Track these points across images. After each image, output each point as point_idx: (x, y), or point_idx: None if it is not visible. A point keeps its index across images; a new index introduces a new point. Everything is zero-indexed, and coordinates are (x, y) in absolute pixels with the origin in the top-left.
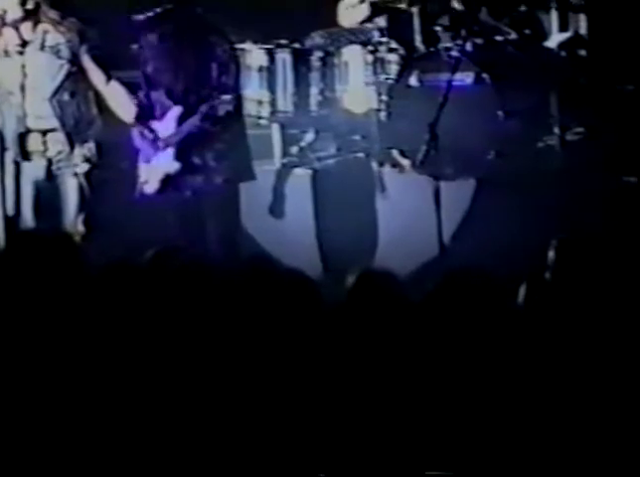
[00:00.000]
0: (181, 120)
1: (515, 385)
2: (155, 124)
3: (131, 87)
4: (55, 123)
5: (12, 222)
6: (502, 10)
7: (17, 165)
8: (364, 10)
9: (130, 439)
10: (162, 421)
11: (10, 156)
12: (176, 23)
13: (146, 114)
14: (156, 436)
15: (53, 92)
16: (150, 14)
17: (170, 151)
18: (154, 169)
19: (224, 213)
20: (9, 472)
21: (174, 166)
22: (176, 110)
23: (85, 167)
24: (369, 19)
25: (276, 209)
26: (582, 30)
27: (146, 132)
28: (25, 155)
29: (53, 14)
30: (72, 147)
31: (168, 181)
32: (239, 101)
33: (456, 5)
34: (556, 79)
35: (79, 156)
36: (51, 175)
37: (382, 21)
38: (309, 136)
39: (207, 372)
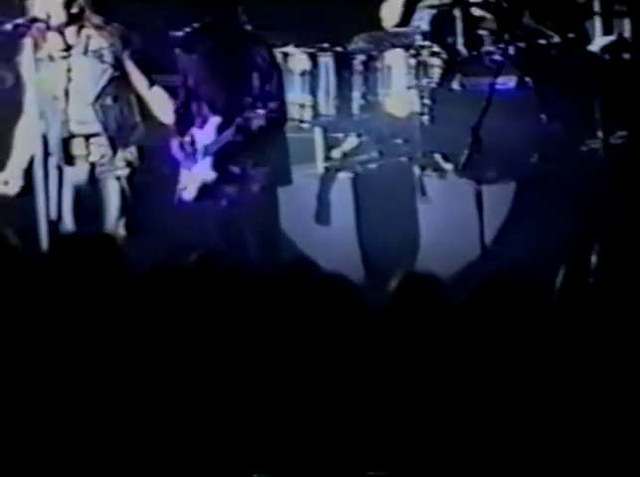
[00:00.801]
0: (221, 129)
1: (556, 388)
2: (195, 132)
3: (174, 92)
4: (98, 128)
5: (55, 226)
6: (545, 13)
7: (60, 170)
8: (405, 12)
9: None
10: (198, 422)
11: (53, 161)
12: (215, 36)
13: (186, 125)
14: (184, 439)
15: (96, 97)
16: (189, 29)
17: (208, 160)
18: (192, 176)
19: (261, 219)
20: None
21: (211, 175)
22: (216, 119)
23: (127, 171)
24: (410, 21)
25: (318, 213)
26: (626, 33)
27: (186, 144)
28: (68, 160)
29: (96, 19)
30: (114, 151)
31: (205, 189)
32: (282, 109)
33: (499, 9)
34: (599, 82)
35: (121, 160)
36: (93, 179)
37: (424, 24)
38: (351, 140)
39: (248, 376)
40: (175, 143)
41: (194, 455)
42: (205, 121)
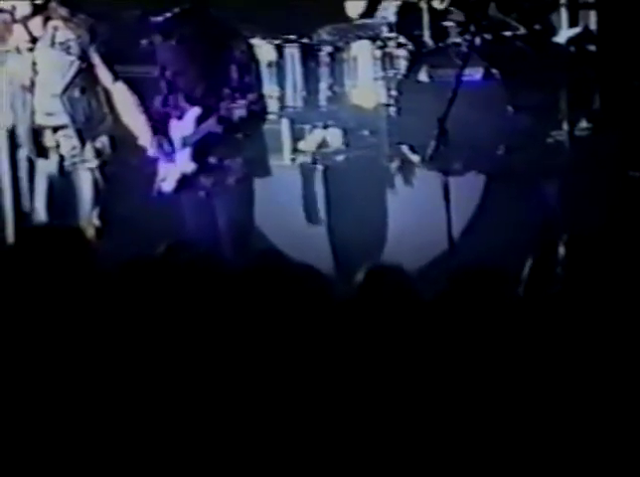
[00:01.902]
0: (200, 121)
1: (524, 382)
2: (174, 125)
3: (145, 83)
4: (65, 120)
5: (26, 219)
6: (511, 5)
7: (30, 162)
8: (370, 3)
9: (130, 438)
10: (174, 417)
11: (23, 153)
12: (192, 25)
13: (163, 121)
14: (157, 435)
15: (63, 89)
16: (167, 16)
17: (187, 151)
18: (172, 168)
19: (237, 211)
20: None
21: (190, 166)
22: (195, 111)
23: (97, 162)
24: (375, 11)
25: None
26: (592, 25)
27: (165, 143)
28: (39, 152)
29: (62, 10)
30: (82, 143)
31: (184, 180)
32: (262, 101)
33: (465, 0)
34: (565, 74)
35: (90, 151)
36: (63, 171)
37: (390, 16)
38: (318, 131)
39: (217, 367)
40: (153, 141)
41: (169, 449)
42: (182, 113)
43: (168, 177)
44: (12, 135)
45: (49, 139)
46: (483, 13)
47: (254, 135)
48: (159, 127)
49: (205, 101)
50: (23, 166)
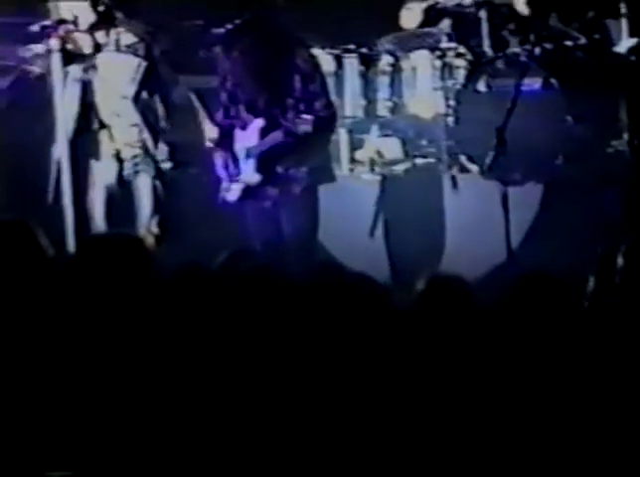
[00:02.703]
0: (264, 132)
1: (586, 389)
2: (237, 135)
3: (204, 93)
4: (131, 121)
5: (86, 226)
6: (572, 15)
7: (90, 165)
8: (424, 14)
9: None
10: (226, 420)
11: (83, 156)
12: (254, 35)
13: (227, 136)
14: (212, 438)
15: (136, 91)
16: (229, 27)
17: (251, 162)
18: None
19: (303, 218)
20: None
21: (255, 178)
22: (259, 122)
23: (166, 165)
24: (431, 23)
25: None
26: None
27: (229, 162)
28: (100, 156)
29: (121, 17)
30: (146, 148)
31: (248, 191)
32: (331, 109)
33: (525, 10)
34: (624, 83)
35: (155, 156)
36: (123, 177)
37: (450, 26)
38: (377, 141)
39: (278, 376)
40: (219, 160)
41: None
42: (244, 123)
43: (232, 187)
44: (73, 144)
45: (108, 146)
46: (543, 23)
47: (321, 144)
48: (224, 142)
49: (268, 112)
50: (82, 174)
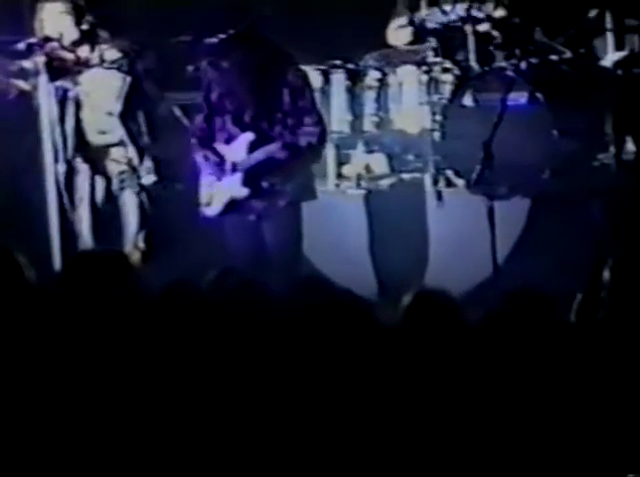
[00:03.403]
0: (252, 147)
1: (574, 404)
2: (223, 149)
3: (187, 110)
4: (117, 138)
5: (72, 242)
6: (556, 29)
7: (77, 182)
8: (411, 31)
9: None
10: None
11: (70, 171)
12: (242, 48)
13: (208, 138)
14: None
15: (118, 108)
16: (215, 40)
17: (238, 176)
18: (218, 191)
19: (288, 233)
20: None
21: (242, 192)
22: (248, 136)
23: (149, 180)
24: (418, 40)
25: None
26: (638, 48)
27: (211, 156)
28: (92, 170)
29: (105, 34)
30: (132, 165)
31: (232, 204)
32: (321, 125)
33: (510, 24)
34: (610, 97)
35: (142, 170)
36: (111, 192)
37: (436, 41)
38: (363, 157)
39: (265, 391)
40: (199, 156)
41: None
42: (230, 136)
43: (213, 201)
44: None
45: (98, 158)
46: (528, 37)
47: (312, 160)
48: (203, 143)
49: (255, 125)
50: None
